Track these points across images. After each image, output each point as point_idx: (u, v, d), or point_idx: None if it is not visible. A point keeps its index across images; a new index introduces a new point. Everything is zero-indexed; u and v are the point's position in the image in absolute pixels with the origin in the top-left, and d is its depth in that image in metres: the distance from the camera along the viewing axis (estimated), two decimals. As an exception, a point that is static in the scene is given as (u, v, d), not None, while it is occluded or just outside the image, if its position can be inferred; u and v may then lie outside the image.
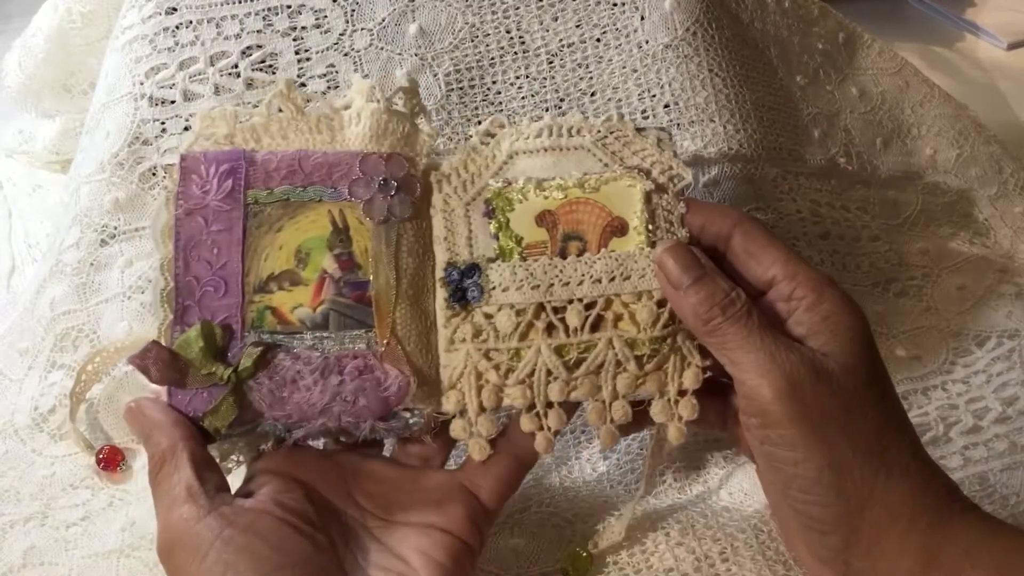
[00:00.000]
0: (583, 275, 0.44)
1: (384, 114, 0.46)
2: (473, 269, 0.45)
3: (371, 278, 0.45)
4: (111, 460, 0.54)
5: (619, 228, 0.45)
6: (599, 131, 0.46)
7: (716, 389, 0.45)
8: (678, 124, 0.55)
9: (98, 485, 0.54)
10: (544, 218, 0.45)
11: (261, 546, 0.39)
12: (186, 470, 0.41)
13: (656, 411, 0.44)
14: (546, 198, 0.45)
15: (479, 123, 0.54)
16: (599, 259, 0.44)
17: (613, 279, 0.44)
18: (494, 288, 0.45)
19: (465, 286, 0.45)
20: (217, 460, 0.43)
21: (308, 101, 0.48)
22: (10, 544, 0.51)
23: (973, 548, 0.38)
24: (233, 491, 0.43)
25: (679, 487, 0.53)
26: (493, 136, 0.47)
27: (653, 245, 0.44)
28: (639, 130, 0.46)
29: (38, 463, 0.56)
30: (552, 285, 0.44)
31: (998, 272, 0.66)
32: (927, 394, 0.58)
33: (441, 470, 0.46)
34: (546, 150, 0.46)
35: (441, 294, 0.46)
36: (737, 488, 0.53)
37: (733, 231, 0.44)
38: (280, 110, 0.47)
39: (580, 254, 0.45)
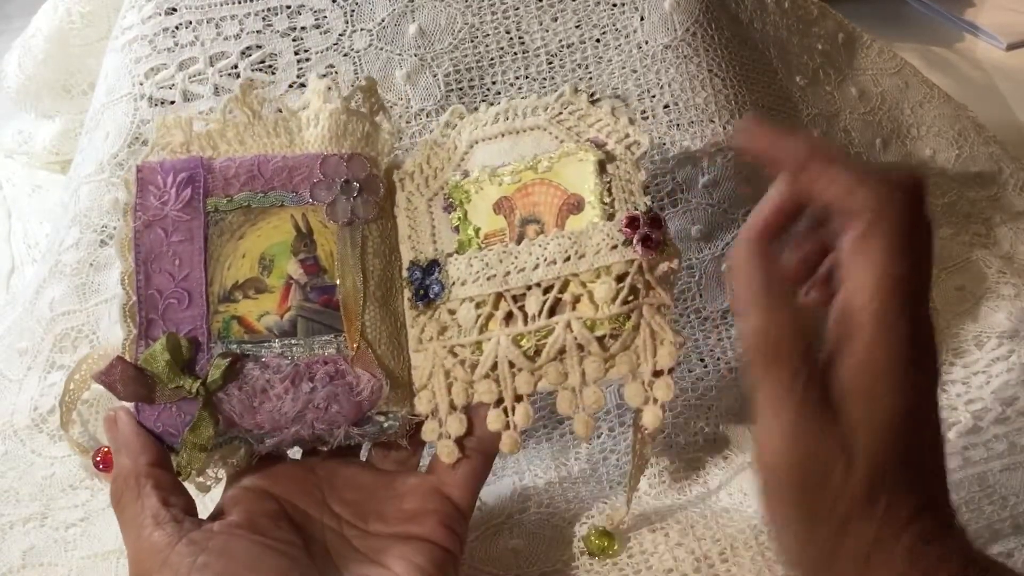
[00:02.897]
0: (538, 258, 0.42)
1: (343, 114, 0.46)
2: (434, 266, 0.44)
3: (338, 282, 0.44)
4: (108, 461, 0.54)
5: (575, 205, 0.43)
6: (553, 108, 0.45)
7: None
8: (678, 124, 0.55)
9: (97, 486, 0.54)
10: (501, 205, 0.44)
11: (238, 568, 0.38)
12: (151, 497, 0.40)
13: (629, 394, 0.41)
14: (500, 184, 0.44)
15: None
16: (552, 240, 0.42)
17: (568, 259, 0.42)
18: (454, 283, 0.44)
19: (427, 284, 0.44)
20: (195, 477, 0.43)
21: (278, 109, 0.47)
22: (10, 545, 0.51)
23: None
24: (212, 507, 0.43)
25: (679, 488, 0.53)
26: (454, 127, 0.47)
27: (610, 218, 0.42)
28: (593, 101, 0.45)
29: (38, 464, 0.56)
30: (508, 273, 0.43)
31: (998, 272, 0.66)
32: (927, 394, 0.58)
33: (414, 473, 0.46)
34: (503, 135, 0.45)
35: (406, 294, 0.45)
36: (737, 488, 0.53)
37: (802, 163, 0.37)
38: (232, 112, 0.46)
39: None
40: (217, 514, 0.42)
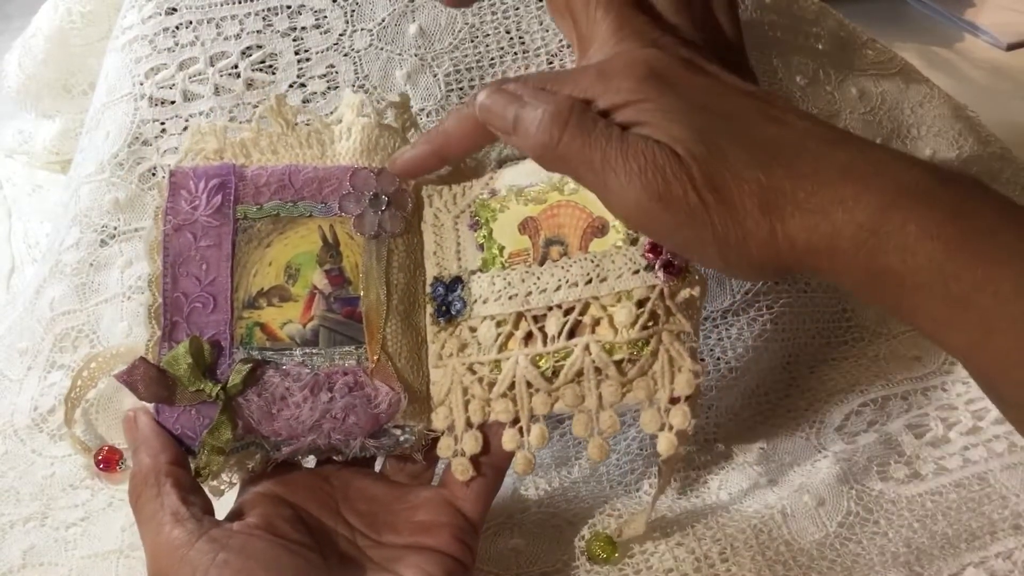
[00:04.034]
0: (560, 280, 0.42)
1: (375, 129, 0.46)
2: (457, 283, 0.45)
3: (361, 294, 0.44)
4: (110, 460, 0.54)
5: (600, 228, 0.43)
6: None
7: None
8: (678, 124, 0.55)
9: (98, 486, 0.54)
10: (526, 225, 0.45)
11: (257, 567, 0.38)
12: (171, 495, 0.40)
13: (645, 420, 0.41)
14: (526, 205, 0.45)
15: (479, 123, 0.54)
16: (575, 262, 0.42)
17: (590, 282, 0.42)
18: (476, 301, 0.44)
19: (450, 300, 0.44)
20: (206, 482, 0.43)
21: (306, 120, 0.47)
22: (10, 544, 0.51)
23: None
24: (223, 513, 0.43)
25: (679, 487, 0.53)
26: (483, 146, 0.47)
27: (634, 243, 0.42)
28: None
29: (38, 463, 0.56)
30: (530, 293, 0.43)
31: (998, 272, 0.65)
32: (927, 394, 0.58)
33: (427, 487, 0.46)
34: None
35: (428, 309, 0.45)
36: (737, 488, 0.53)
37: None
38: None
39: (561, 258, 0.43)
40: (234, 516, 0.42)
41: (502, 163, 0.46)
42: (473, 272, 0.45)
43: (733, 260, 0.36)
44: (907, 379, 0.59)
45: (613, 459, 0.54)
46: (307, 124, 0.47)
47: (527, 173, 0.45)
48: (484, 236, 0.45)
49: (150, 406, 0.43)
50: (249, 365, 0.43)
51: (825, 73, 0.66)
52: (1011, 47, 0.98)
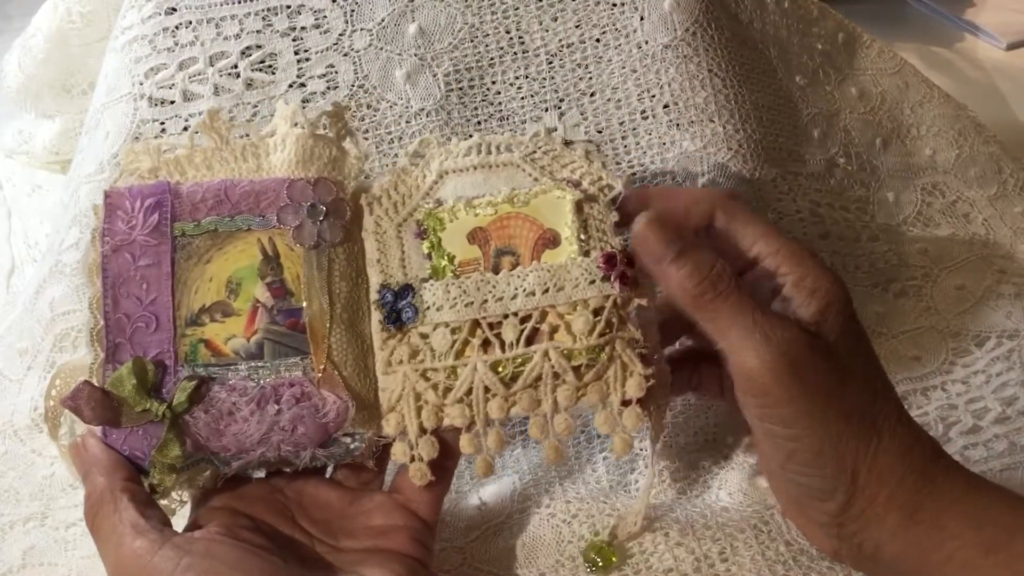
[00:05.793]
0: (516, 289, 0.44)
1: (309, 139, 0.46)
2: (407, 290, 0.45)
3: (304, 304, 0.44)
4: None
5: (551, 240, 0.45)
6: (527, 147, 0.46)
7: (713, 356, 0.45)
8: (678, 124, 0.55)
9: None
10: (476, 235, 0.45)
11: (224, 569, 0.38)
12: (129, 509, 0.40)
13: (599, 422, 0.43)
14: (477, 215, 0.45)
15: (479, 123, 0.55)
16: (532, 272, 0.44)
17: (547, 291, 0.43)
18: (428, 308, 0.44)
19: (400, 307, 0.45)
20: (159, 500, 0.43)
21: (246, 134, 0.47)
22: (10, 544, 0.51)
23: (954, 502, 0.39)
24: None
25: (679, 487, 0.53)
26: (422, 156, 0.47)
27: (587, 254, 0.44)
28: (567, 143, 0.46)
29: (38, 463, 0.56)
30: (486, 301, 0.44)
31: (998, 272, 0.66)
32: (927, 394, 0.58)
33: (380, 492, 0.46)
34: (475, 168, 0.46)
35: (376, 316, 0.45)
36: (737, 488, 0.53)
37: (714, 212, 0.44)
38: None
39: (513, 268, 0.44)
40: (191, 529, 0.42)
41: (444, 174, 0.47)
42: (424, 280, 0.45)
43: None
44: (907, 379, 0.59)
45: (612, 459, 0.54)
46: (244, 137, 0.47)
47: (472, 185, 0.46)
48: (431, 245, 0.46)
49: (97, 429, 0.43)
50: (194, 382, 0.43)
51: (825, 73, 0.66)
52: (1011, 47, 0.98)
